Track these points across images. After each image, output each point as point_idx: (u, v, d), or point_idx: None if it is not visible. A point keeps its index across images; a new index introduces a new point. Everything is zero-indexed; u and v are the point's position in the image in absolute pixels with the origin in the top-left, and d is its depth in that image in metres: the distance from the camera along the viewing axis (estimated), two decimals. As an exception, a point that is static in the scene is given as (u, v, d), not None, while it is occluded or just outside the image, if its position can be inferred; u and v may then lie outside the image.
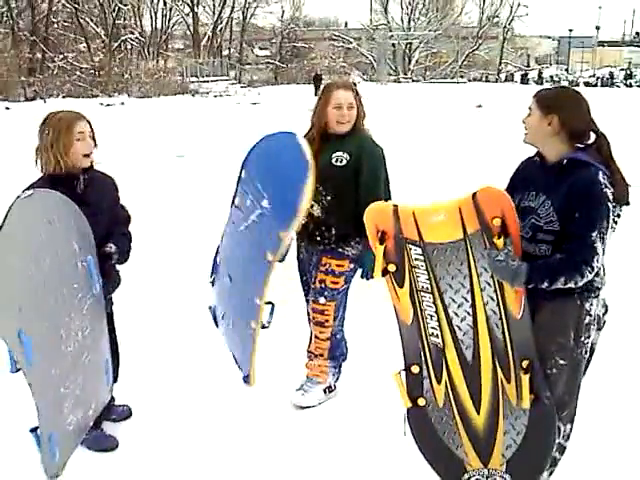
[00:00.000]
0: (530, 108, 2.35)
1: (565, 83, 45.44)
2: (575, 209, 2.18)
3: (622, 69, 47.70)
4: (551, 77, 48.34)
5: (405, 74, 52.59)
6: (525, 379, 2.28)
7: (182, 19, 47.43)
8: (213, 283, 3.40)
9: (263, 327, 2.91)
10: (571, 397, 2.39)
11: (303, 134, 3.12)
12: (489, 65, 54.21)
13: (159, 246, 5.75)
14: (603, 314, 2.38)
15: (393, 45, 53.35)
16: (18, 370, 2.36)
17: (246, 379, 3.10)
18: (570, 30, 56.81)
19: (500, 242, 2.17)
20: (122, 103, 27.51)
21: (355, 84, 3.42)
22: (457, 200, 2.24)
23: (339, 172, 3.12)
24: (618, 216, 2.25)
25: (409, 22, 54.97)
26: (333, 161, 3.13)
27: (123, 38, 41.20)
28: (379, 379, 3.10)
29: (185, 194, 8.20)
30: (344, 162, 3.13)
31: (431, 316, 2.40)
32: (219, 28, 47.87)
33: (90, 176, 2.85)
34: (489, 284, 2.28)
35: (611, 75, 45.30)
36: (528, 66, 55.96)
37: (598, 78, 45.68)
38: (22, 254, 2.39)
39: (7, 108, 24.31)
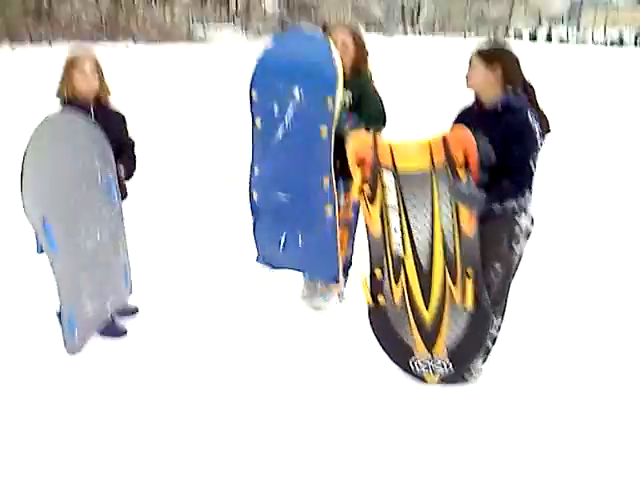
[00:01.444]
0: (471, 63, 2.80)
1: (573, 42, 45.12)
2: (512, 144, 2.64)
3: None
4: (560, 36, 47.91)
5: (413, 28, 52.13)
6: (469, 283, 2.79)
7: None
8: (256, 227, 3.67)
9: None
10: (502, 295, 2.90)
11: None
12: (499, 22, 53.62)
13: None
14: (530, 225, 2.87)
15: (402, 0, 52.73)
16: (42, 252, 2.92)
17: (335, 278, 3.54)
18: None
19: (462, 172, 2.63)
20: (126, 47, 27.54)
21: (358, 28, 3.53)
22: (429, 139, 2.70)
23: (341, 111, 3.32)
24: (542, 144, 2.72)
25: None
26: None
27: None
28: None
29: (190, 135, 8.55)
30: (346, 105, 3.34)
31: (395, 229, 2.87)
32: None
33: (102, 109, 3.27)
34: (447, 207, 2.76)
35: (621, 35, 44.89)
36: (539, 24, 55.35)
37: (607, 39, 45.31)
38: (50, 157, 2.94)
39: (13, 49, 24.44)
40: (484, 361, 3.07)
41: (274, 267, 3.78)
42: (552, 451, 2.67)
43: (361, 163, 2.85)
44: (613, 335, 3.61)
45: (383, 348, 3.16)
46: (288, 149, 3.38)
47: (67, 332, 3.08)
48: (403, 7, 53.39)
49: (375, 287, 3.05)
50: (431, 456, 2.62)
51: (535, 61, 17.77)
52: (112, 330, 3.47)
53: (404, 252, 2.91)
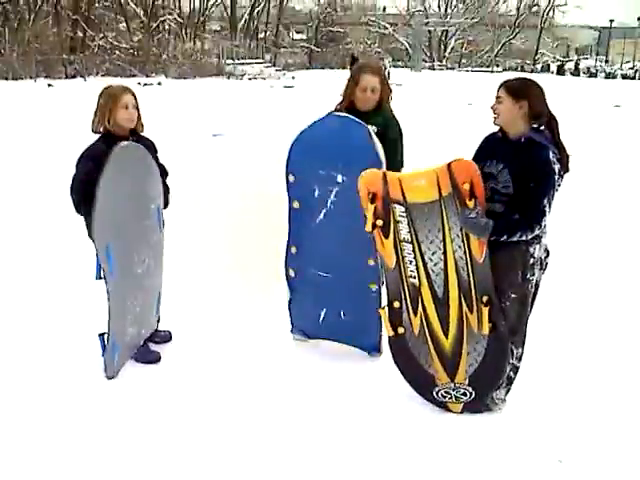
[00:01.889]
0: (499, 96, 2.89)
1: (602, 75, 45.02)
2: (530, 181, 2.76)
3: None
4: (588, 69, 47.81)
5: (440, 61, 52.56)
6: (485, 311, 2.89)
7: (220, 1, 48.00)
8: (292, 302, 3.79)
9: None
10: (521, 324, 2.98)
11: (334, 107, 3.67)
12: (526, 55, 53.80)
13: (194, 217, 6.34)
14: (545, 257, 2.97)
15: (429, 32, 53.31)
16: (101, 278, 3.14)
17: (377, 348, 3.62)
18: (611, 21, 55.95)
19: (471, 203, 2.75)
20: (159, 83, 28.21)
21: (384, 67, 3.89)
22: (435, 168, 2.83)
23: None
24: (559, 185, 2.83)
25: (446, 9, 54.94)
26: None
27: (162, 19, 41.82)
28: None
29: (222, 172, 8.73)
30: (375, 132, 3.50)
31: (410, 261, 3.01)
32: (256, 11, 48.34)
33: (137, 138, 3.47)
34: (458, 236, 2.88)
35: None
36: (567, 56, 55.43)
37: (637, 70, 45.04)
38: (119, 185, 3.20)
39: (49, 85, 25.14)
40: (507, 392, 3.13)
41: (310, 337, 3.86)
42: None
43: (373, 199, 2.98)
44: (636, 368, 3.66)
45: (405, 378, 3.25)
46: (329, 230, 3.50)
47: (109, 356, 3.24)
48: (430, 41, 53.92)
49: (394, 318, 3.15)
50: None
51: (561, 96, 17.89)
52: (147, 356, 3.60)
53: (419, 282, 3.02)
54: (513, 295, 2.93)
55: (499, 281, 2.90)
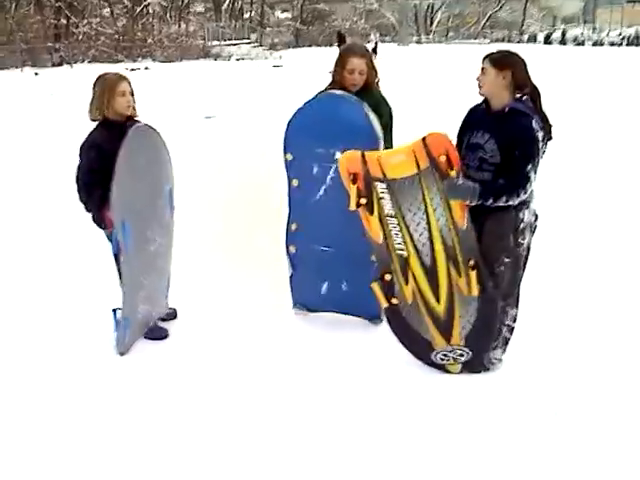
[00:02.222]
0: (484, 67, 3.02)
1: (589, 43, 44.89)
2: (515, 148, 2.89)
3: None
4: (575, 38, 47.61)
5: (427, 35, 52.29)
6: (472, 274, 3.05)
7: (203, -18, 47.52)
8: (293, 278, 3.88)
9: None
10: (514, 286, 3.12)
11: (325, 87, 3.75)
12: (513, 26, 53.55)
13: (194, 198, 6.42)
14: (534, 220, 3.10)
15: (415, 6, 52.94)
16: (117, 253, 3.28)
17: (378, 316, 3.71)
18: (596, -12, 55.64)
19: (453, 172, 2.90)
20: (146, 68, 28.05)
21: (368, 50, 3.89)
22: (411, 144, 2.98)
23: None
24: (544, 152, 2.98)
25: (431, -17, 54.45)
26: None
27: (146, 3, 41.39)
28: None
29: (216, 153, 8.79)
30: None
31: (396, 234, 3.15)
32: (240, -9, 47.89)
33: (132, 123, 3.46)
34: (440, 205, 3.02)
35: (637, 34, 44.47)
36: (553, 26, 55.17)
37: (624, 38, 44.88)
38: (135, 164, 3.31)
39: (36, 74, 24.98)
40: (503, 352, 3.28)
41: (311, 310, 3.98)
42: (565, 445, 2.86)
43: (355, 178, 3.12)
44: (625, 328, 3.80)
45: (404, 345, 3.40)
46: (329, 206, 3.60)
47: (121, 332, 3.36)
48: (417, 15, 53.61)
49: (387, 290, 3.29)
50: (452, 448, 2.84)
51: (550, 65, 17.88)
52: (155, 333, 3.72)
53: (407, 253, 3.16)
54: (507, 259, 3.07)
55: (492, 247, 3.04)
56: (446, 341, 3.27)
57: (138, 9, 39.44)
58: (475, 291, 3.07)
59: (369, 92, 3.71)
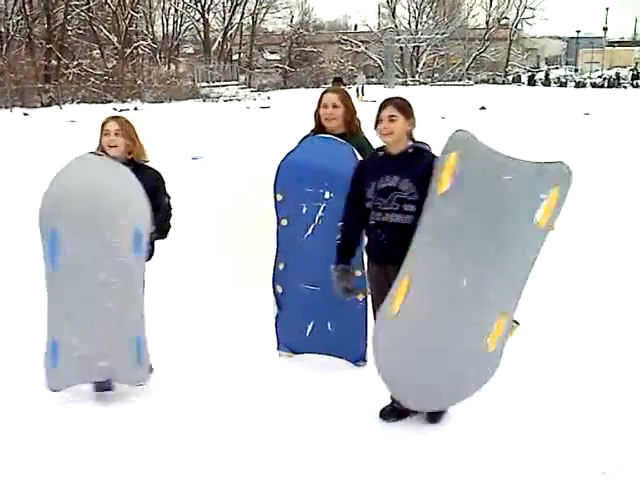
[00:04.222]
0: (394, 115, 3.12)
1: (572, 84, 45.78)
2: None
3: (631, 69, 47.69)
4: (558, 78, 48.56)
5: (413, 77, 53.14)
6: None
7: (193, 25, 48.32)
8: (279, 318, 3.88)
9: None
10: None
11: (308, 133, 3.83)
12: (497, 67, 54.57)
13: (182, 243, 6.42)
14: None
15: (401, 48, 53.89)
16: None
17: (363, 357, 3.73)
18: (577, 31, 56.87)
19: None
20: (135, 108, 28.30)
21: (343, 89, 4.07)
22: None
23: None
24: None
25: (417, 25, 55.55)
26: None
27: (136, 44, 42.03)
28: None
29: (203, 195, 8.79)
30: None
31: None
32: (229, 33, 48.70)
33: (134, 167, 3.45)
34: None
35: (617, 76, 45.39)
36: (537, 67, 56.27)
37: (605, 79, 45.79)
38: (77, 183, 3.22)
39: (25, 114, 25.14)
40: None
41: (296, 352, 3.96)
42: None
43: None
44: (625, 331, 3.91)
45: None
46: (317, 245, 3.64)
47: (48, 363, 3.16)
48: (402, 57, 54.53)
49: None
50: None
51: (535, 105, 18.10)
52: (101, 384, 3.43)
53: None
54: None
55: None
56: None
57: (128, 51, 39.98)
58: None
59: (354, 136, 3.78)
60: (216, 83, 38.99)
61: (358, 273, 3.52)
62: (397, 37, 53.22)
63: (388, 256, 3.14)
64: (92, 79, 34.65)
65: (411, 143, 3.16)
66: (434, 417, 3.20)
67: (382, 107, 3.17)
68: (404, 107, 3.16)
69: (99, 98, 32.40)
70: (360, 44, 54.03)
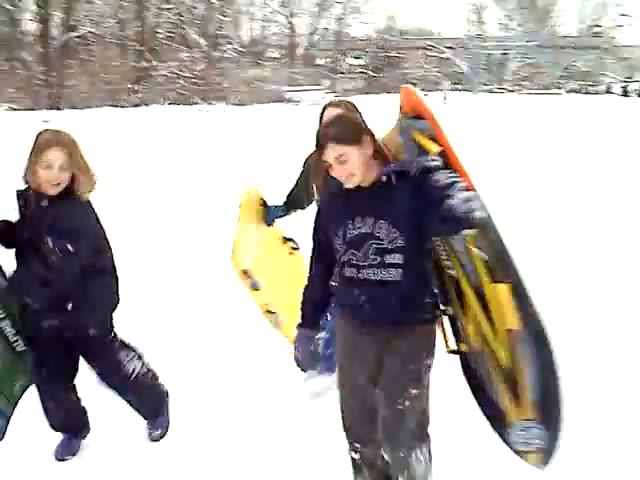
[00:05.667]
0: (341, 155, 2.25)
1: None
2: (427, 197, 2.17)
3: None
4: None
5: (500, 84, 52.10)
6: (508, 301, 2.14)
7: (279, 29, 49.06)
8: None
9: None
10: None
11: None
12: (588, 76, 52.82)
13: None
14: None
15: (487, 55, 52.98)
16: None
17: None
18: (676, 40, 54.46)
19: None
20: (224, 110, 28.85)
21: (346, 103, 3.56)
22: None
23: None
24: None
25: (505, 32, 54.53)
26: None
27: (223, 48, 42.94)
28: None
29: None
30: None
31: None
32: (315, 38, 49.16)
33: (61, 203, 2.68)
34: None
35: None
36: (630, 78, 54.15)
37: None
38: None
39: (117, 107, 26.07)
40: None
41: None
42: None
43: None
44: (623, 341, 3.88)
45: (481, 409, 2.53)
46: None
47: None
48: (489, 64, 53.57)
49: (454, 331, 2.49)
50: None
51: (628, 118, 17.42)
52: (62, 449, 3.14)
53: (457, 274, 2.37)
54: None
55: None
56: (517, 410, 2.21)
57: (216, 54, 40.90)
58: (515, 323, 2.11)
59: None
60: (300, 87, 39.36)
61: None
62: (484, 44, 52.36)
63: (371, 317, 2.37)
64: (180, 81, 35.62)
65: (386, 168, 2.29)
66: None
67: (322, 145, 2.29)
68: (346, 134, 2.26)
69: (186, 100, 33.20)
70: (445, 50, 53.42)
